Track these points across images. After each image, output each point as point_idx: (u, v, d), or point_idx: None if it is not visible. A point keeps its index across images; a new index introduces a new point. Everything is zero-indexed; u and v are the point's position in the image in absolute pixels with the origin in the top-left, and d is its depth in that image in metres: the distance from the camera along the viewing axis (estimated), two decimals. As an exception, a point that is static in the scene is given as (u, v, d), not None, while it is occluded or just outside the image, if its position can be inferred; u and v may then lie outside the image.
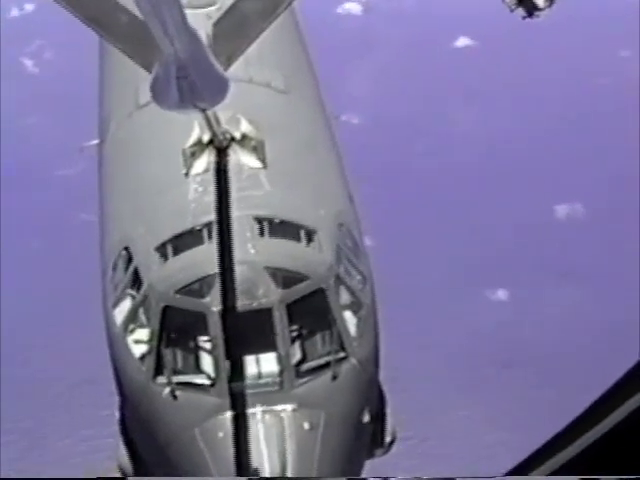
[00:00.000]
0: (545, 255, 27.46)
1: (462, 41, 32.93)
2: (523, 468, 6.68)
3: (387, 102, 30.89)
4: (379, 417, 11.50)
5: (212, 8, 12.99)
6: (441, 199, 28.96)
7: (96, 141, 13.46)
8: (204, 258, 10.61)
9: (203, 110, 10.05)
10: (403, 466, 21.76)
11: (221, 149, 11.35)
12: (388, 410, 11.81)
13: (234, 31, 11.72)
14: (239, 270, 10.41)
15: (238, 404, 10.32)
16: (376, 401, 11.39)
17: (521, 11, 16.61)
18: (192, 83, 8.57)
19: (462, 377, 25.31)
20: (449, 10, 31.66)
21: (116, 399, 11.56)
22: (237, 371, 10.42)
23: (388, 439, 11.79)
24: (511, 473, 7.00)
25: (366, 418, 10.87)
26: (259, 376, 10.47)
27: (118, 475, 11.61)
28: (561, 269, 27.08)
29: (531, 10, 16.46)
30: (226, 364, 10.35)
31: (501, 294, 27.35)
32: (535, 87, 29.08)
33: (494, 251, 27.40)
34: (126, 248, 11.26)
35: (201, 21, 11.26)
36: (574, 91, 30.23)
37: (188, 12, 8.30)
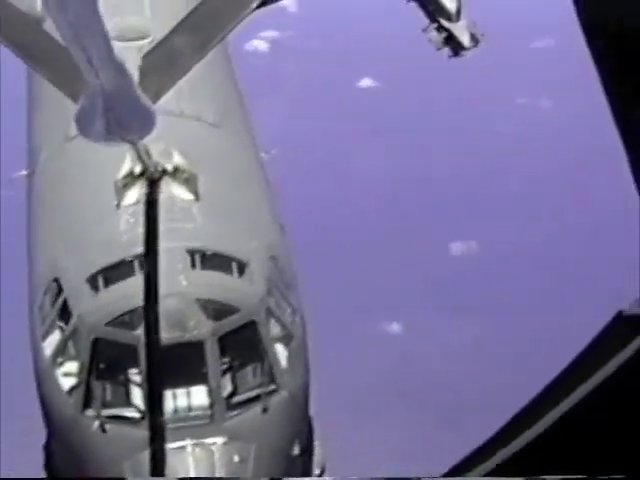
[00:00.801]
0: (440, 290, 28.13)
1: (365, 82, 33.84)
2: (459, 469, 6.75)
3: (291, 137, 31.52)
4: (308, 449, 11.52)
5: (145, 41, 12.99)
6: (338, 233, 29.49)
7: (25, 171, 13.35)
8: (135, 290, 10.56)
9: (130, 142, 10.03)
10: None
11: (153, 181, 11.33)
12: (316, 442, 11.85)
13: (164, 65, 11.73)
14: (171, 302, 10.39)
15: (168, 437, 10.27)
16: (306, 433, 11.42)
17: (447, 50, 16.95)
18: (118, 115, 8.54)
19: (359, 406, 25.63)
20: (354, 51, 32.58)
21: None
22: (167, 404, 10.38)
23: (317, 471, 11.82)
24: (447, 474, 7.06)
25: (296, 450, 10.89)
26: (189, 409, 10.44)
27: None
28: (455, 303, 27.76)
29: (457, 49, 16.80)
30: (156, 397, 10.30)
31: (395, 327, 27.91)
32: (434, 129, 29.93)
33: (389, 285, 27.96)
34: (55, 279, 11.16)
35: (133, 54, 11.26)
36: (473, 135, 31.18)
37: (119, 45, 8.29)
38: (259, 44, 33.57)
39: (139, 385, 10.39)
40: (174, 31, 12.20)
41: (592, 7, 7.84)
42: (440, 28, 16.77)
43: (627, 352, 6.48)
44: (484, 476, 6.54)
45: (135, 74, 9.71)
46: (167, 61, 11.77)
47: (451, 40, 16.76)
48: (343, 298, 26.90)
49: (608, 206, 27.15)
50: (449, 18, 16.65)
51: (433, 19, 16.90)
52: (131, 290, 10.60)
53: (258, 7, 13.51)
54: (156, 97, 10.57)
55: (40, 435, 11.46)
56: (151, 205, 10.95)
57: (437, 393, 25.14)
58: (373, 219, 29.05)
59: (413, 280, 27.43)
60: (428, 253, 28.38)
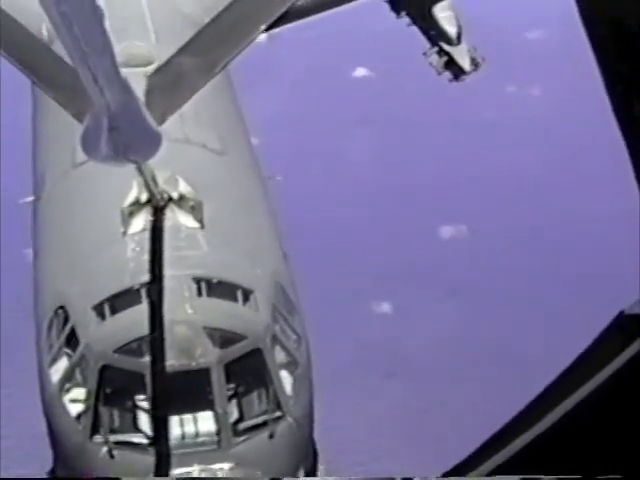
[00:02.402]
0: (430, 273, 28.47)
1: (360, 71, 34.48)
2: (460, 469, 6.81)
3: (287, 125, 31.58)
4: (311, 473, 11.62)
5: (150, 67, 13.11)
6: (331, 217, 29.88)
7: (31, 198, 13.45)
8: (142, 318, 10.68)
9: (135, 163, 10.08)
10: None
11: (158, 208, 11.46)
12: (321, 466, 11.95)
13: (169, 86, 11.84)
14: (177, 330, 10.51)
15: (175, 463, 10.37)
16: (311, 459, 11.52)
17: (448, 74, 17.14)
18: (123, 135, 8.55)
19: (347, 387, 25.86)
20: (348, 42, 33.14)
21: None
22: (174, 430, 10.48)
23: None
24: (448, 474, 7.12)
25: (301, 475, 10.99)
26: (197, 435, 10.54)
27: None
28: (445, 286, 28.09)
29: (457, 73, 16.97)
30: (164, 423, 10.41)
31: (385, 307, 28.19)
32: (426, 117, 30.34)
33: (380, 268, 28.26)
34: (62, 307, 11.25)
35: (138, 79, 11.37)
36: (462, 121, 31.55)
37: (125, 70, 8.36)
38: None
39: (146, 411, 10.50)
40: (180, 52, 12.33)
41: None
42: (441, 52, 16.96)
43: (628, 352, 6.53)
44: (485, 476, 6.61)
45: (141, 96, 9.81)
46: (173, 82, 11.89)
47: (452, 64, 16.95)
48: (334, 280, 27.40)
49: (606, 198, 27.44)
50: (450, 42, 16.83)
51: (434, 43, 17.09)
52: (138, 318, 10.72)
53: (264, 32, 13.67)
54: (162, 118, 10.67)
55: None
56: (156, 232, 11.09)
57: (425, 374, 25.47)
58: (365, 203, 29.66)
59: (404, 263, 28.16)
60: (419, 237, 29.13)
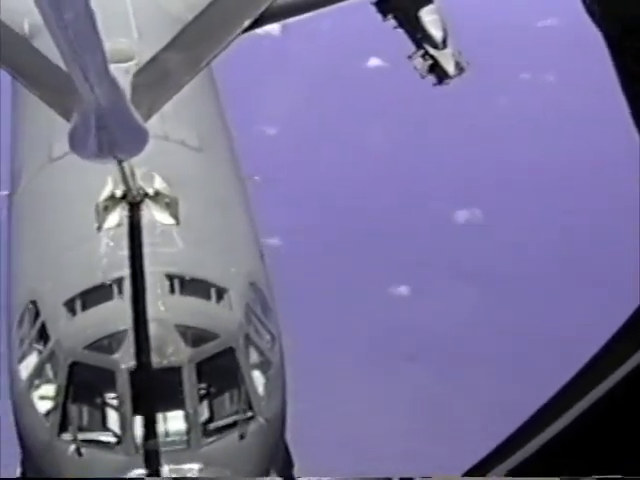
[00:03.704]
0: (446, 256, 28.85)
1: (374, 61, 34.87)
2: (480, 468, 6.69)
3: (302, 115, 32.25)
4: (283, 474, 11.50)
5: (131, 63, 13.02)
6: (349, 202, 30.31)
7: (6, 192, 13.32)
8: (113, 314, 10.56)
9: (120, 161, 10.07)
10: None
11: (134, 204, 11.35)
12: (295, 468, 11.84)
13: (155, 83, 11.79)
14: (149, 328, 10.38)
15: (144, 462, 10.24)
16: (282, 459, 11.40)
17: (432, 78, 17.04)
18: (111, 133, 8.57)
19: (366, 370, 25.95)
20: (362, 32, 33.65)
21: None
22: (144, 429, 10.35)
23: (294, 498, 11.80)
24: (468, 473, 7.01)
25: (272, 477, 10.88)
26: (166, 434, 10.41)
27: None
28: (461, 269, 28.43)
29: (442, 77, 16.88)
30: (133, 422, 10.28)
31: (403, 289, 28.48)
32: (440, 104, 30.58)
33: (395, 252, 28.59)
34: (33, 302, 11.12)
35: (120, 76, 11.29)
36: (477, 108, 31.91)
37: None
38: (270, 27, 34.59)
39: (116, 409, 10.36)
40: (165, 49, 12.32)
41: None
42: (426, 55, 16.86)
43: None
44: (505, 475, 6.48)
45: (127, 93, 9.75)
46: (158, 79, 11.86)
47: (436, 68, 16.85)
48: (350, 264, 27.74)
49: (622, 185, 27.56)
50: (435, 46, 16.73)
51: (419, 46, 17.00)
52: (109, 314, 10.60)
53: (248, 29, 13.62)
54: (147, 115, 10.69)
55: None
56: (134, 229, 10.98)
57: (445, 356, 25.61)
58: (381, 189, 30.15)
59: (419, 247, 28.57)
60: (434, 221, 29.65)
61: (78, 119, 8.68)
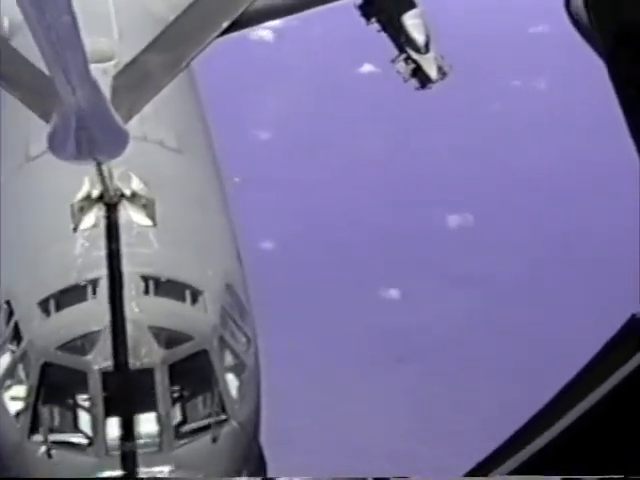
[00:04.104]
0: (437, 260, 29.06)
1: (366, 67, 35.20)
2: (481, 468, 6.64)
3: (295, 120, 32.52)
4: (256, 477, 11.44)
5: (110, 63, 12.99)
6: (340, 205, 30.59)
7: None
8: (87, 315, 10.49)
9: (99, 163, 10.02)
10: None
11: (111, 205, 11.27)
12: (267, 471, 11.78)
13: (135, 85, 11.77)
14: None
15: (115, 465, 10.16)
16: (255, 463, 11.34)
17: (414, 82, 17.03)
18: (91, 134, 8.52)
19: (358, 372, 25.94)
20: (354, 38, 33.99)
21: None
22: (116, 431, 10.28)
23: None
24: (470, 473, 6.96)
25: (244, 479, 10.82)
26: (138, 437, 10.33)
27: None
28: (452, 273, 28.60)
29: (424, 82, 16.87)
30: (105, 424, 10.20)
31: (393, 293, 28.66)
32: (432, 110, 30.83)
33: (386, 255, 28.79)
34: (7, 302, 11.04)
35: (99, 76, 11.25)
36: (468, 114, 32.15)
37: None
38: (264, 33, 34.80)
39: (87, 411, 10.29)
40: (145, 50, 12.33)
41: None
42: (408, 59, 16.84)
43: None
44: (508, 474, 6.43)
45: (107, 94, 9.70)
46: (139, 80, 11.84)
47: (419, 72, 16.83)
48: (340, 267, 27.89)
49: (614, 190, 27.70)
50: (418, 50, 16.71)
51: (402, 50, 16.98)
52: (83, 315, 10.52)
53: (228, 32, 13.61)
54: (128, 116, 10.68)
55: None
56: (111, 229, 10.91)
57: (436, 359, 25.75)
58: (372, 193, 30.33)
59: (410, 251, 28.76)
60: (425, 226, 29.89)
61: (58, 120, 8.61)
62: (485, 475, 6.76)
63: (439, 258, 28.66)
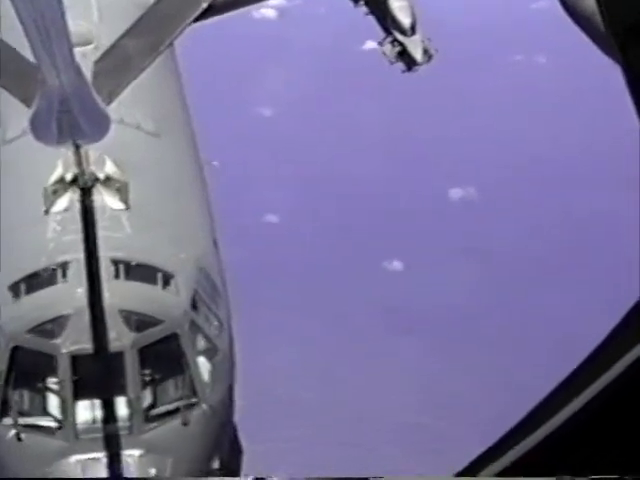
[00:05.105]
0: (440, 233, 29.33)
1: (369, 44, 35.72)
2: (473, 468, 6.58)
3: (299, 97, 32.91)
4: (231, 462, 11.43)
5: (89, 47, 12.95)
6: (343, 179, 30.66)
7: None
8: (57, 298, 10.47)
9: (77, 147, 10.03)
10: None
11: (85, 189, 11.24)
12: (243, 457, 11.76)
13: (116, 68, 11.78)
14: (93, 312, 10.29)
15: (84, 448, 10.16)
16: (228, 447, 11.31)
17: (401, 65, 16.93)
18: (73, 118, 8.54)
19: (363, 345, 26.08)
20: (357, 17, 34.17)
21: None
22: (85, 414, 10.27)
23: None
24: (461, 474, 6.91)
25: (216, 464, 10.79)
26: (108, 420, 10.32)
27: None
28: (455, 245, 28.88)
29: (410, 64, 16.76)
30: (74, 407, 10.19)
31: (396, 265, 28.88)
32: (434, 85, 30.94)
33: (390, 227, 29.05)
34: None
35: (80, 60, 11.23)
36: (471, 89, 32.28)
37: None
38: (267, 12, 34.97)
39: (57, 394, 10.27)
40: (125, 35, 12.40)
41: None
42: (394, 42, 16.73)
43: None
44: (496, 475, 6.37)
45: (88, 77, 9.70)
46: (119, 64, 11.86)
47: (404, 54, 16.72)
48: (345, 239, 28.37)
49: (618, 165, 27.67)
50: (404, 32, 16.60)
51: (388, 33, 16.87)
52: (53, 298, 10.50)
53: (204, 14, 13.61)
54: (109, 100, 10.70)
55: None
56: (85, 213, 10.88)
57: (440, 330, 26.03)
58: (376, 167, 30.74)
59: (414, 223, 29.24)
60: (429, 198, 30.36)
61: (40, 104, 8.61)
62: (474, 475, 6.71)
63: (442, 230, 29.08)
